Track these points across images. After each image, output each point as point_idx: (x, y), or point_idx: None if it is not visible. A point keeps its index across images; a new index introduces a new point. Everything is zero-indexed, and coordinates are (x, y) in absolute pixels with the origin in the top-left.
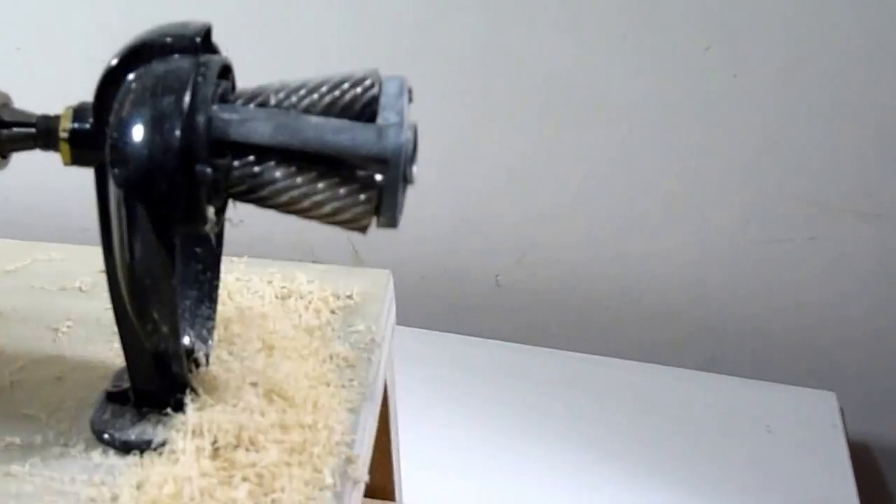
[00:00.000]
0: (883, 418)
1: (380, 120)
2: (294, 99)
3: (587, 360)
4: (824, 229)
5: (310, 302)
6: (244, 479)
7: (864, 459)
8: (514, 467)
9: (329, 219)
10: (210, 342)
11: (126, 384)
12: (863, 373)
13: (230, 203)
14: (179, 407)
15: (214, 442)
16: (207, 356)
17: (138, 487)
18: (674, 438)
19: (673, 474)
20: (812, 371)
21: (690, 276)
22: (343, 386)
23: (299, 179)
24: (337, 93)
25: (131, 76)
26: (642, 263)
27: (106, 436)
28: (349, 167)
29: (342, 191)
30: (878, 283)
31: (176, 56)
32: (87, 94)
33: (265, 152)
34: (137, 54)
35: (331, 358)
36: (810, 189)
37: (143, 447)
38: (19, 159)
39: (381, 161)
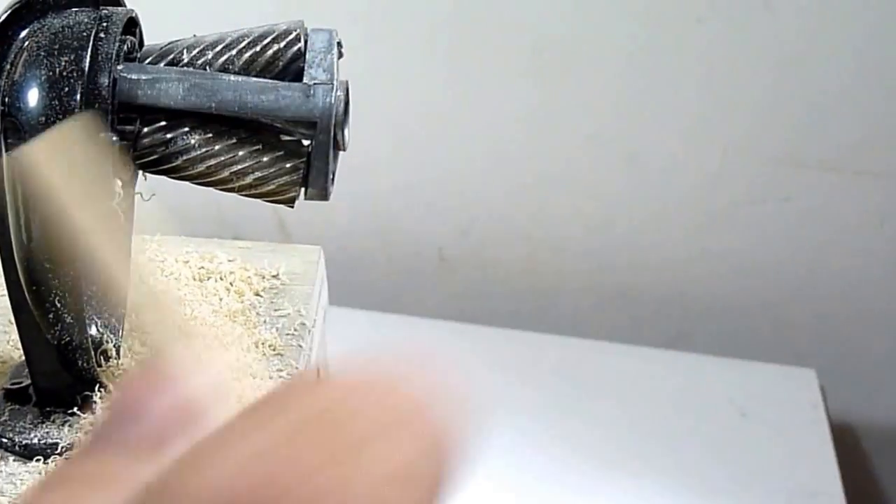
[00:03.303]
0: (867, 397)
1: (306, 78)
2: (209, 56)
3: (542, 340)
4: (800, 189)
5: (231, 283)
6: None
7: (847, 442)
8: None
9: (251, 190)
10: (120, 332)
11: (26, 381)
12: (845, 348)
13: (139, 174)
14: (87, 405)
15: None
16: (117, 348)
17: None
18: (638, 423)
19: (638, 463)
20: (790, 347)
21: (654, 244)
22: (270, 377)
23: (217, 146)
24: (257, 48)
25: (24, 33)
26: (601, 231)
27: (4, 439)
28: (273, 132)
29: (265, 158)
30: (860, 248)
31: (74, 9)
32: None
33: (177, 116)
34: (29, 7)
35: (256, 346)
36: (784, 145)
37: (47, 452)
38: None
39: (308, 124)
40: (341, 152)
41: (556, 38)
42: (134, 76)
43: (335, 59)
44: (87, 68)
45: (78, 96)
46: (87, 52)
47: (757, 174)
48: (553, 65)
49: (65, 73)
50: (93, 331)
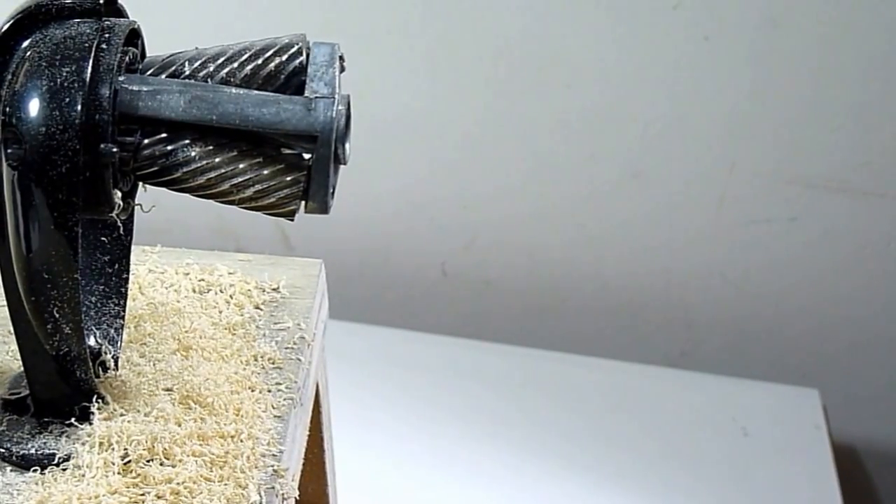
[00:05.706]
0: (870, 418)
1: (308, 92)
2: (211, 68)
3: (544, 357)
4: (806, 209)
5: (231, 296)
6: (158, 497)
7: (849, 463)
8: (464, 478)
9: (251, 203)
10: (119, 343)
11: (24, 391)
12: (848, 368)
13: (140, 186)
14: (85, 416)
15: (125, 455)
16: (116, 359)
17: None
18: (641, 442)
19: (640, 481)
20: (793, 366)
21: (659, 262)
22: (269, 390)
23: (217, 159)
24: (259, 61)
25: (25, 43)
26: (605, 248)
27: (2, 450)
28: (274, 145)
29: (266, 171)
30: (866, 269)
31: (76, 20)
32: None
33: (178, 128)
34: (32, 18)
35: (255, 359)
36: (790, 164)
37: (44, 462)
38: None
39: (309, 138)
40: (342, 166)
41: (562, 57)
42: (135, 87)
43: (337, 73)
44: (88, 79)
45: (79, 107)
46: (88, 62)
47: (763, 193)
48: (558, 82)
49: (66, 84)
50: (91, 342)
